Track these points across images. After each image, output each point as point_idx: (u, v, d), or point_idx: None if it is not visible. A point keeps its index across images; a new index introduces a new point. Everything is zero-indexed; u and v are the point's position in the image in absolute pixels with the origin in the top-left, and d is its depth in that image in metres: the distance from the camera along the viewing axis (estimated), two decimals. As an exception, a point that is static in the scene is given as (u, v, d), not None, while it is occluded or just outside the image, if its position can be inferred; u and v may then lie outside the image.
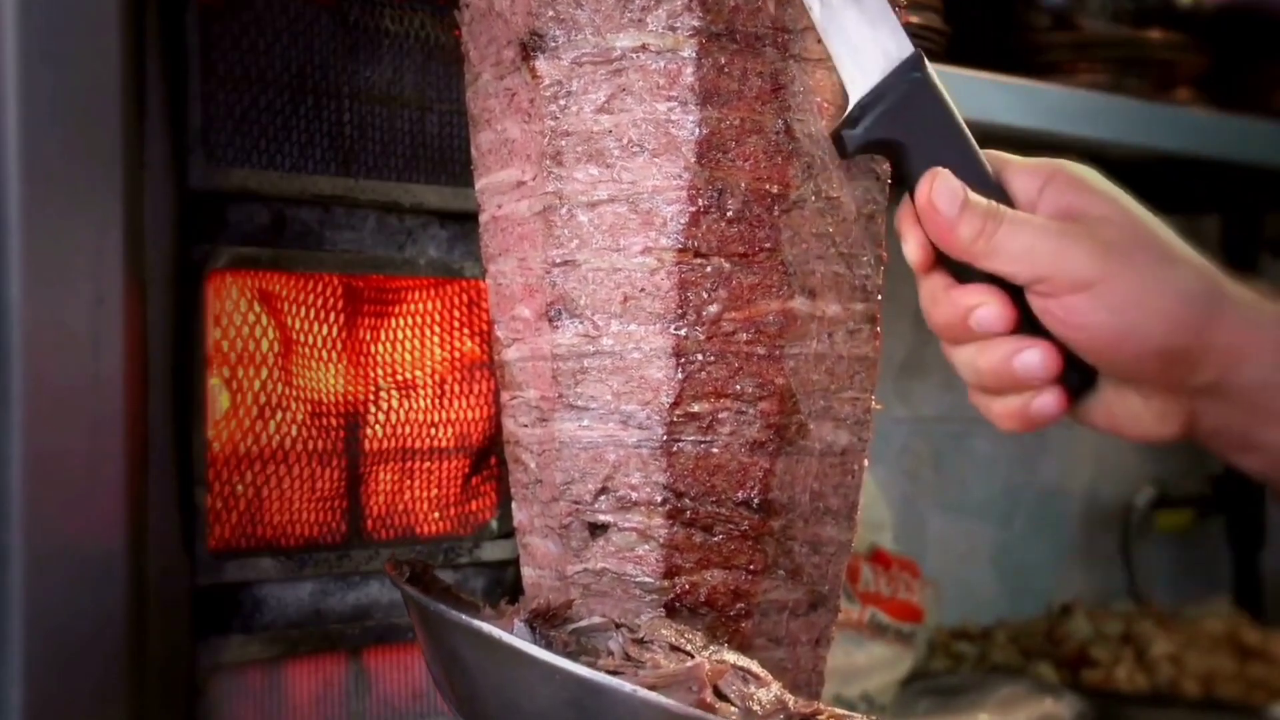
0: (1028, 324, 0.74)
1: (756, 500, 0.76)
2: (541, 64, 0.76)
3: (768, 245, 0.75)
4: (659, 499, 0.76)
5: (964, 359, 0.77)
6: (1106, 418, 0.77)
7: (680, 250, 0.75)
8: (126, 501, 0.85)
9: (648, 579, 0.76)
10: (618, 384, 0.76)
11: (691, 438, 0.76)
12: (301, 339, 1.01)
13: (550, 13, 0.76)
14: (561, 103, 0.76)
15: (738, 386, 0.76)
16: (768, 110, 0.75)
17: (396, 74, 1.03)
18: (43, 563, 0.82)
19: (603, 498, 0.77)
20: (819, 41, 0.77)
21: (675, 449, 0.76)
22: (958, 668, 1.81)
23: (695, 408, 0.76)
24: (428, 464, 1.07)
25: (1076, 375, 0.75)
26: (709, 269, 0.75)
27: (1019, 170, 0.76)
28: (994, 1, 1.72)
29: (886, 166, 0.81)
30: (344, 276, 1.02)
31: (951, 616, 1.85)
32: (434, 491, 1.07)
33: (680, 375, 0.75)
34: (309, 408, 1.01)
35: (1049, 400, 0.75)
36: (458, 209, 1.04)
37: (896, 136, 0.75)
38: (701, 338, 0.75)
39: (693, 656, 0.70)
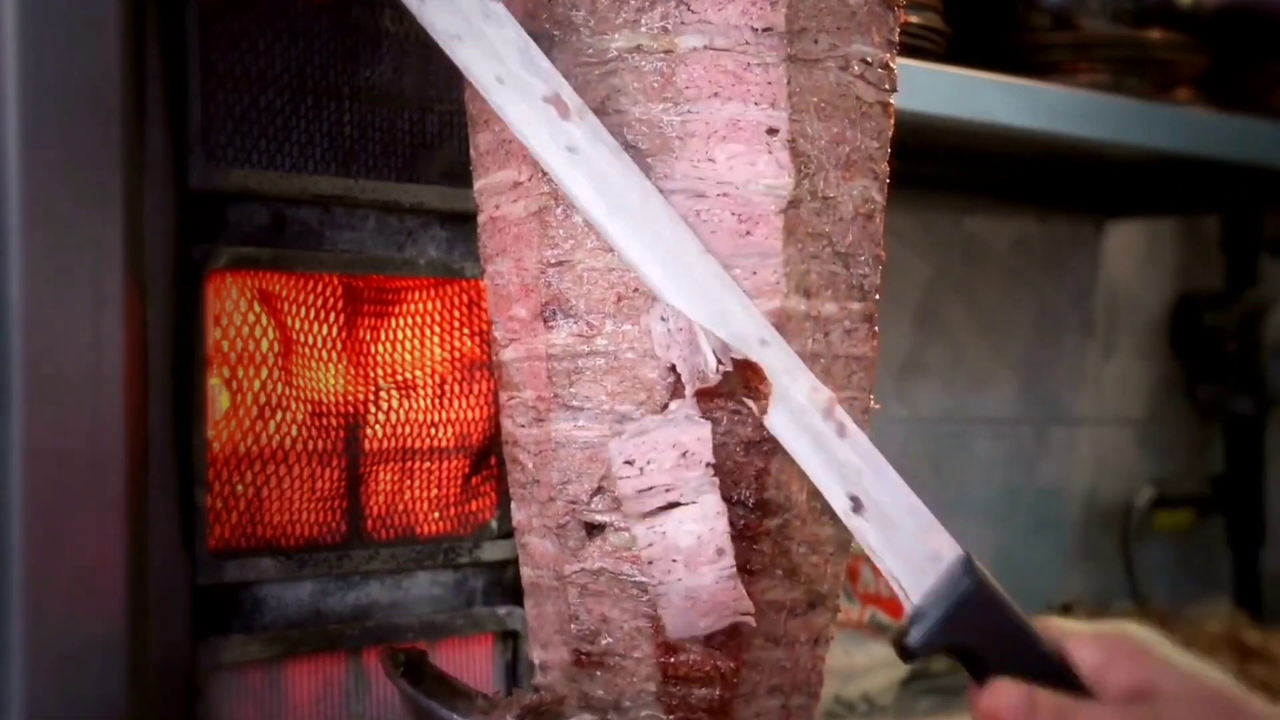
0: None
1: (752, 500, 0.76)
2: (538, 65, 0.76)
3: (761, 245, 0.75)
4: (655, 499, 0.76)
5: None
6: None
7: (674, 250, 0.75)
8: (126, 501, 0.85)
9: (645, 578, 0.76)
10: (612, 384, 0.76)
11: (686, 437, 0.76)
12: (301, 339, 1.01)
13: (546, 14, 0.76)
14: (557, 104, 0.76)
15: (732, 386, 0.76)
16: (762, 111, 0.75)
17: (396, 74, 1.03)
18: (42, 562, 0.82)
19: (598, 498, 0.77)
20: (815, 42, 0.77)
21: (670, 449, 0.76)
22: (958, 668, 1.81)
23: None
24: (428, 464, 1.07)
25: None
26: (703, 269, 0.75)
27: (1082, 643, 0.76)
28: (994, 1, 1.72)
29: (884, 166, 0.81)
30: (344, 276, 1.02)
31: (952, 616, 1.85)
32: (434, 491, 1.07)
33: (674, 375, 0.75)
34: (309, 408, 1.01)
35: None
36: (458, 209, 1.04)
37: (957, 642, 0.75)
38: (695, 337, 0.75)
39: None
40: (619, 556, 0.77)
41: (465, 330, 1.09)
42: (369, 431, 1.04)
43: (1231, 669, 1.80)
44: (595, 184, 0.74)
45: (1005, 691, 0.74)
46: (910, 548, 0.76)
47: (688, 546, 0.75)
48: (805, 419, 0.75)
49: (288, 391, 1.00)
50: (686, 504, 0.74)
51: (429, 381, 1.07)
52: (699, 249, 0.74)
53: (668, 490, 0.74)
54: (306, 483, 1.00)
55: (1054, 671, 0.75)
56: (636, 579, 0.77)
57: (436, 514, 1.07)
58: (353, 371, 1.03)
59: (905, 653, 0.76)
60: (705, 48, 0.75)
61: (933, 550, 0.76)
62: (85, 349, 0.83)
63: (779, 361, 0.75)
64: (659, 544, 0.75)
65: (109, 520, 0.84)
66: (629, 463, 0.75)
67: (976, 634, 0.75)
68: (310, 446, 1.00)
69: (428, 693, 0.79)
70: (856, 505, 0.76)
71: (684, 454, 0.74)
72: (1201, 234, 2.32)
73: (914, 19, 1.43)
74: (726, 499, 0.76)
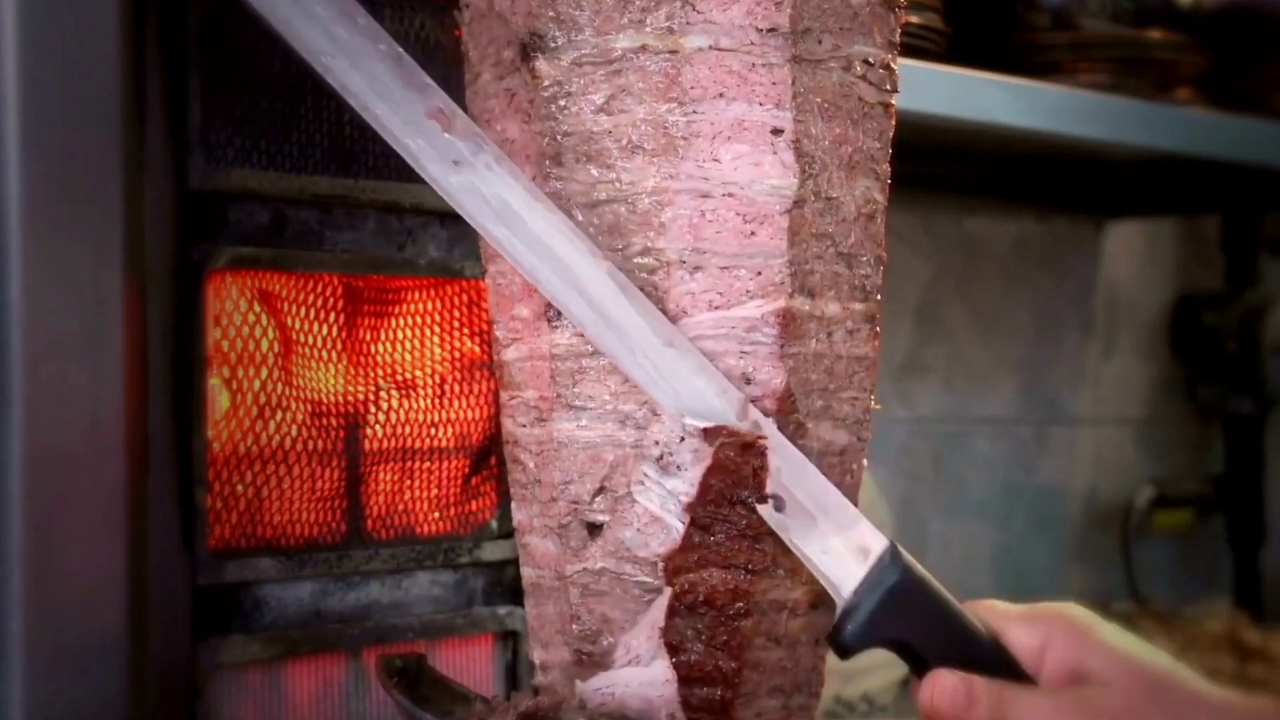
0: None
1: (754, 499, 0.76)
2: (541, 64, 0.76)
3: (766, 245, 0.75)
4: (657, 499, 0.76)
5: None
6: None
7: (678, 250, 0.75)
8: (126, 501, 0.85)
9: (646, 578, 0.76)
10: (615, 384, 0.76)
11: (688, 437, 0.76)
12: (301, 339, 1.01)
13: (550, 13, 0.76)
14: (561, 103, 0.76)
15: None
16: (767, 111, 0.75)
17: (397, 74, 1.03)
18: (42, 562, 0.82)
19: (600, 497, 0.77)
20: (819, 43, 0.77)
21: (673, 449, 0.76)
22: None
23: (693, 407, 0.76)
24: (428, 464, 1.07)
25: None
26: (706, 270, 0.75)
27: (1018, 625, 0.77)
28: (994, 1, 1.72)
29: (886, 167, 0.81)
30: (344, 276, 1.02)
31: (952, 617, 1.85)
32: (434, 491, 1.07)
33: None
34: (309, 408, 1.01)
35: None
36: (458, 209, 1.04)
37: (891, 635, 0.76)
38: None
39: None
40: (621, 556, 0.77)
41: (465, 330, 1.09)
42: (369, 431, 1.04)
43: (1231, 669, 1.80)
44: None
45: (943, 680, 0.74)
46: (836, 543, 0.76)
47: (638, 709, 0.76)
48: (719, 419, 0.75)
49: (288, 391, 1.00)
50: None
51: (429, 381, 1.07)
52: (590, 249, 0.75)
53: None
54: (306, 483, 1.00)
55: (990, 657, 0.75)
56: (638, 579, 0.77)
57: (436, 514, 1.07)
58: (353, 371, 1.03)
59: (840, 649, 0.76)
60: (710, 48, 0.75)
61: (859, 544, 0.76)
62: (85, 349, 0.83)
63: (684, 363, 0.75)
64: (610, 703, 0.76)
65: (109, 520, 0.84)
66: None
67: (909, 625, 0.75)
68: (310, 446, 1.00)
69: (425, 696, 0.79)
70: (778, 504, 0.76)
71: (646, 699, 0.76)
72: (1201, 234, 2.32)
73: (914, 19, 1.43)
74: (728, 500, 0.76)
